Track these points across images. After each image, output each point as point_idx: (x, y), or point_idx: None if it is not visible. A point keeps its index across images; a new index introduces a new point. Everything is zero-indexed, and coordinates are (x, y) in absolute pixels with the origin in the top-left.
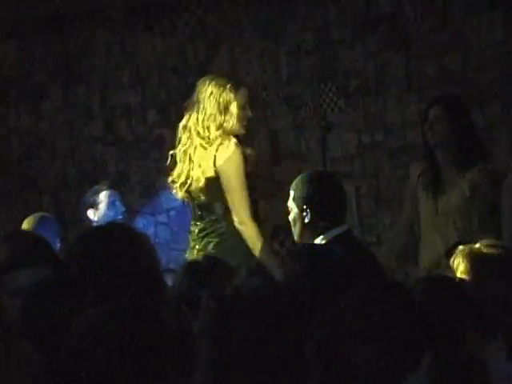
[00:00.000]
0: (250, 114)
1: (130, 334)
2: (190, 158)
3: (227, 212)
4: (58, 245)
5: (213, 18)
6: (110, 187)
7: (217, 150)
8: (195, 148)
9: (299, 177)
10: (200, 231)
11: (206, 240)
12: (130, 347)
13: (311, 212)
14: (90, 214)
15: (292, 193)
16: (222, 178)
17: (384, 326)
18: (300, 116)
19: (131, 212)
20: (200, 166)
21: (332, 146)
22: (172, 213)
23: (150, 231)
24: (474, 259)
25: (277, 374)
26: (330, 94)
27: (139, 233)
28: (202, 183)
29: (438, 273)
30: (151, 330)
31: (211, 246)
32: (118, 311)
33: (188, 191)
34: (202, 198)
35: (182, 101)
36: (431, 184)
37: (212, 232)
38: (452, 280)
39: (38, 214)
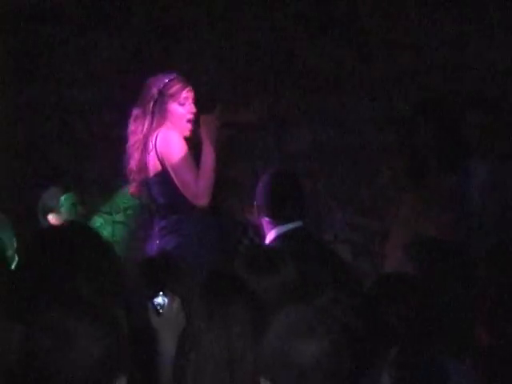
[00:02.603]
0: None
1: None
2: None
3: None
4: (15, 244)
5: (169, 15)
6: (66, 189)
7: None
8: None
9: None
10: None
11: None
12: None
13: (263, 210)
14: (51, 218)
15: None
16: None
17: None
18: (257, 112)
19: (88, 211)
20: None
21: (287, 144)
22: (129, 212)
23: (108, 230)
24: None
25: None
26: (286, 92)
27: (96, 232)
28: None
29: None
30: (107, 327)
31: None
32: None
33: None
34: None
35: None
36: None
37: None
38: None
39: None
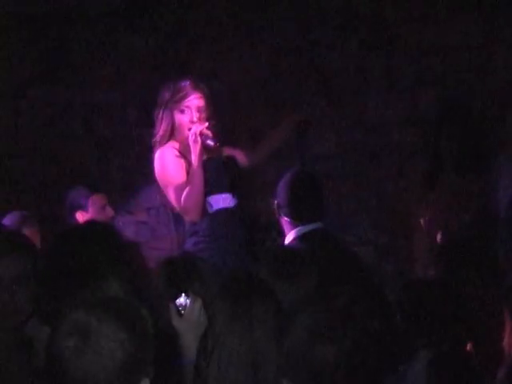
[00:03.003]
0: (193, 119)
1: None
2: None
3: None
4: (39, 242)
5: (193, 16)
6: (94, 189)
7: None
8: None
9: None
10: None
11: None
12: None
13: (284, 210)
14: (79, 216)
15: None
16: None
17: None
18: (281, 116)
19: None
20: None
21: (312, 145)
22: (152, 211)
23: (130, 230)
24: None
25: None
26: (311, 94)
27: (119, 232)
28: None
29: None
30: (131, 330)
31: None
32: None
33: None
34: None
35: None
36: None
37: None
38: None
39: (19, 212)
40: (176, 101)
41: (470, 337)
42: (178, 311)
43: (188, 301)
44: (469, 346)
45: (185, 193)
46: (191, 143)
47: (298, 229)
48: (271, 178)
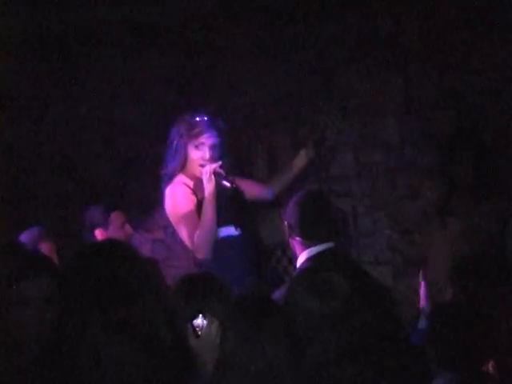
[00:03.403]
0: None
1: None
2: None
3: None
4: (56, 258)
5: (213, 35)
6: (114, 206)
7: None
8: None
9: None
10: None
11: None
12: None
13: (295, 230)
14: (98, 234)
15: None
16: None
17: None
18: (298, 135)
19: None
20: None
21: (330, 165)
22: (169, 230)
23: (147, 248)
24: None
25: None
26: (328, 113)
27: (137, 252)
28: None
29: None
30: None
31: None
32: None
33: None
34: None
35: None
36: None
37: None
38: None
39: (37, 228)
40: (192, 136)
41: (492, 356)
42: (195, 332)
43: (205, 322)
44: (491, 365)
45: (197, 233)
46: (205, 182)
47: (310, 249)
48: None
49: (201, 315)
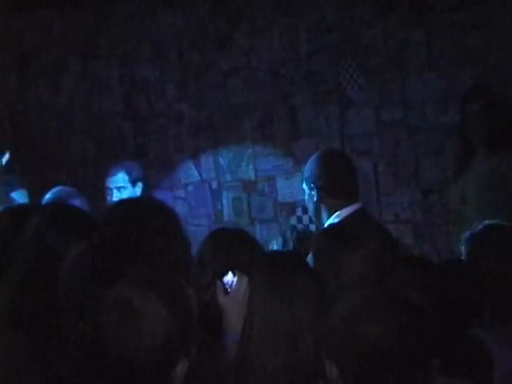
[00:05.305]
0: None
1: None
2: None
3: None
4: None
5: None
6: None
7: None
8: None
9: (311, 157)
10: None
11: None
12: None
13: (320, 191)
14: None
15: (304, 173)
16: None
17: None
18: (319, 93)
19: (149, 187)
20: None
21: (351, 123)
22: (190, 188)
23: None
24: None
25: None
26: (350, 71)
27: (167, 207)
28: None
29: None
30: (173, 308)
31: None
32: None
33: None
34: None
35: (200, 76)
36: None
37: None
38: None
39: (61, 187)
40: None
41: None
42: (225, 289)
43: (235, 279)
44: None
45: None
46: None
47: (341, 211)
48: (303, 155)
49: (230, 272)
